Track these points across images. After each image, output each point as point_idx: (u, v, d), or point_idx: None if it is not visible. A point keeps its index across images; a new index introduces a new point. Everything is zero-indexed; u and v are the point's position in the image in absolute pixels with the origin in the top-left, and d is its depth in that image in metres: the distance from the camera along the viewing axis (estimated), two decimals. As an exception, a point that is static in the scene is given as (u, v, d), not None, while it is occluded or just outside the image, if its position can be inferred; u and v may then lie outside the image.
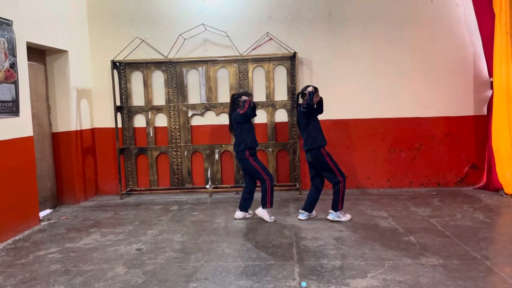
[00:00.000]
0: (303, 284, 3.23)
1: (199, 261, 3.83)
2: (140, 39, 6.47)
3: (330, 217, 4.91)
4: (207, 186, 6.60)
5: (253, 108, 5.06)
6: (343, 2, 6.39)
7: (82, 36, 6.49)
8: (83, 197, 6.36)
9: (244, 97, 5.03)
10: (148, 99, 6.63)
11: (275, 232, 4.57)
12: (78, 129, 6.28)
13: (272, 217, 5.01)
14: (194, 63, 6.53)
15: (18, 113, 4.87)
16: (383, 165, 6.52)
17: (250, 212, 5.17)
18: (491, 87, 6.13)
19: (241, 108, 4.96)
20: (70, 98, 6.10)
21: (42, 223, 5.21)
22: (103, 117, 6.70)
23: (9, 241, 4.58)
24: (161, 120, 6.67)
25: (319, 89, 4.90)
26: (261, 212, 5.01)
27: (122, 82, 6.59)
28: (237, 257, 3.89)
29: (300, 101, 5.01)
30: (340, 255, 3.85)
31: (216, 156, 6.62)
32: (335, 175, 4.82)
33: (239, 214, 5.12)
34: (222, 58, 6.44)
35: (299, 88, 6.20)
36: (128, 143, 6.69)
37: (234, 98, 5.10)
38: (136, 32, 6.51)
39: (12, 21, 4.78)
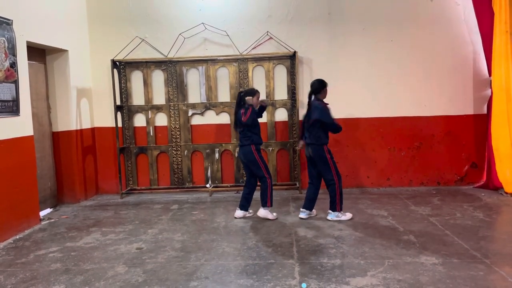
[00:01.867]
0: (303, 285, 3.23)
1: (200, 260, 3.83)
2: (140, 38, 6.47)
3: (329, 217, 4.91)
4: (207, 185, 6.61)
5: (260, 109, 5.09)
6: (342, 1, 6.39)
7: (82, 36, 6.49)
8: (83, 196, 6.37)
9: (249, 100, 4.98)
10: (148, 99, 6.64)
11: (275, 231, 4.58)
12: (78, 128, 6.29)
13: (274, 213, 5.03)
14: (194, 62, 6.53)
15: (18, 112, 4.88)
16: (383, 164, 6.53)
17: (251, 211, 5.17)
18: (491, 86, 6.13)
19: (245, 112, 4.91)
20: (70, 97, 6.10)
21: (43, 222, 5.22)
22: (103, 116, 6.70)
23: (10, 240, 4.59)
24: (161, 120, 6.67)
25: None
26: (263, 212, 5.00)
27: (122, 81, 6.59)
28: (237, 256, 3.90)
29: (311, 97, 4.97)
30: (340, 254, 3.86)
31: (216, 155, 6.63)
32: (332, 174, 4.82)
33: (239, 213, 5.13)
34: (222, 57, 6.45)
35: (299, 87, 6.24)
36: (128, 142, 6.70)
37: (241, 96, 5.05)
38: (136, 31, 6.51)
39: (12, 20, 4.78)
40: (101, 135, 6.73)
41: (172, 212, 5.56)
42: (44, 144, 5.88)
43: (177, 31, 6.43)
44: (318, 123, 4.77)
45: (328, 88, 4.91)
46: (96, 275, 3.58)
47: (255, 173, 5.03)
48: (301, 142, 5.12)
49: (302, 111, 5.49)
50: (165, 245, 4.26)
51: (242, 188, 5.28)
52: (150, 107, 6.64)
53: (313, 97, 4.89)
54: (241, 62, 6.48)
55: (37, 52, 5.73)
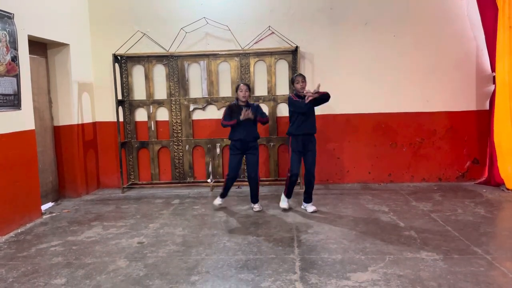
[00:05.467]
0: None
1: (200, 255, 3.84)
2: (142, 32, 6.45)
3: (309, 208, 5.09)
4: (208, 180, 6.61)
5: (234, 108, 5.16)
6: (345, -5, 6.37)
7: (83, 30, 6.47)
8: (85, 190, 6.38)
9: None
10: (149, 93, 6.63)
11: (276, 226, 4.58)
12: (80, 122, 6.29)
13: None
14: (196, 57, 6.51)
15: (20, 106, 4.88)
16: (384, 159, 6.52)
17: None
18: (494, 82, 6.11)
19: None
20: (72, 91, 6.10)
21: (44, 216, 5.23)
22: (105, 111, 6.69)
23: (12, 234, 4.61)
24: (163, 114, 6.67)
25: (321, 84, 4.90)
26: (258, 207, 5.23)
27: (124, 76, 6.58)
28: (238, 251, 3.91)
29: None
30: (341, 249, 3.86)
31: (217, 150, 6.62)
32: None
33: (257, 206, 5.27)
34: (224, 52, 6.42)
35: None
36: (130, 137, 6.70)
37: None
38: (138, 25, 6.48)
39: (13, 14, 4.76)
40: (103, 130, 6.73)
41: (173, 206, 5.56)
42: (46, 138, 5.88)
43: (179, 25, 6.41)
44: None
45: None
46: (97, 269, 3.59)
47: (253, 168, 5.22)
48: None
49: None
50: (166, 239, 4.27)
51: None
52: (151, 102, 6.63)
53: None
54: (243, 57, 6.46)
55: (39, 46, 5.72)
